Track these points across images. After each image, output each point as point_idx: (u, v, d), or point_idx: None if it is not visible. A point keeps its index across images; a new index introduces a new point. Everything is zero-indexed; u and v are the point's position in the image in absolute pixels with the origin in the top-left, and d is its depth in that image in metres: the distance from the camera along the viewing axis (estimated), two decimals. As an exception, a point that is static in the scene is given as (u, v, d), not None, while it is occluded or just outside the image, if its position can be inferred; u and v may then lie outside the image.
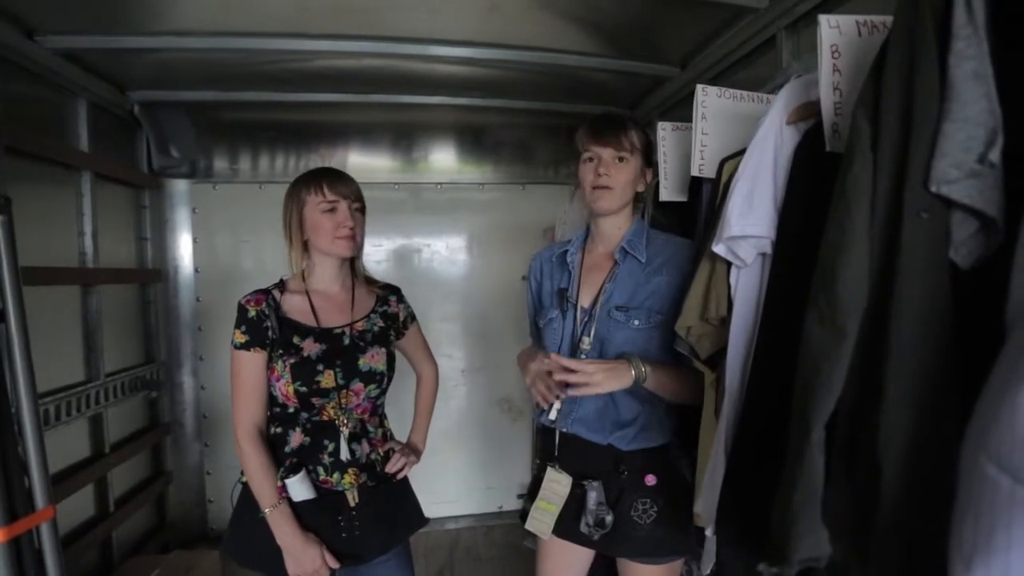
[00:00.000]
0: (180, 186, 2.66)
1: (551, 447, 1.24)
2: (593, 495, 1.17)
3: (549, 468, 1.23)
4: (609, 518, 1.16)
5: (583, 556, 1.31)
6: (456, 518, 2.92)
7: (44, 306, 1.84)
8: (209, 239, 2.71)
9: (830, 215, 0.62)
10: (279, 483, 1.17)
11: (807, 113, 0.84)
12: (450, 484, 2.90)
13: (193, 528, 2.70)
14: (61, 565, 1.31)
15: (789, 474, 0.59)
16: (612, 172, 1.17)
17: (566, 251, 1.30)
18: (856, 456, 0.57)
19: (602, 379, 1.07)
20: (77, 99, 2.05)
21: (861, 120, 0.60)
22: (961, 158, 0.51)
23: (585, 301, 1.24)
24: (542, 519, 1.21)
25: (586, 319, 1.21)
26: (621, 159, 1.17)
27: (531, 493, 1.30)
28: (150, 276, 2.55)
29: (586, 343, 1.20)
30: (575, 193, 1.30)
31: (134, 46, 1.87)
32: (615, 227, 1.24)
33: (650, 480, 1.19)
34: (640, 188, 1.24)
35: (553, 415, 1.22)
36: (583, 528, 1.17)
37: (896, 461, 0.53)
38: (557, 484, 1.21)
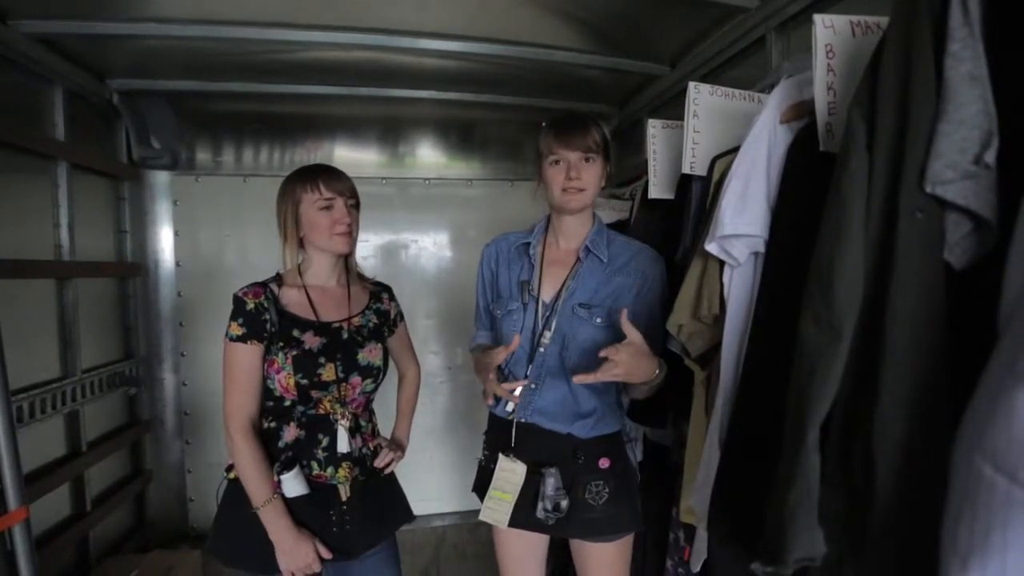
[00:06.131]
0: (161, 178, 2.60)
1: (506, 437, 1.25)
2: (551, 481, 1.18)
3: (502, 457, 1.24)
4: (565, 502, 1.18)
5: (542, 538, 1.35)
6: (442, 515, 2.91)
7: (18, 300, 1.79)
8: (191, 233, 2.65)
9: (825, 214, 0.62)
10: (275, 478, 1.16)
11: (800, 112, 0.85)
12: (436, 481, 2.88)
13: (174, 527, 2.65)
14: (35, 567, 1.28)
15: (784, 474, 0.59)
16: (582, 174, 1.18)
17: (527, 243, 1.31)
18: (851, 455, 0.57)
19: (627, 362, 1.04)
20: (53, 86, 1.99)
21: (857, 119, 0.60)
22: (956, 159, 0.51)
23: (546, 295, 1.25)
24: (498, 508, 1.23)
25: (547, 313, 1.23)
26: (588, 159, 1.19)
27: (479, 484, 1.32)
28: (129, 270, 2.49)
29: (547, 337, 1.21)
30: (536, 191, 1.30)
31: (113, 32, 1.82)
32: (580, 225, 1.27)
33: (603, 463, 1.22)
34: (603, 184, 1.25)
35: (510, 407, 1.25)
36: (539, 514, 1.19)
37: (890, 460, 0.53)
38: (511, 473, 1.22)
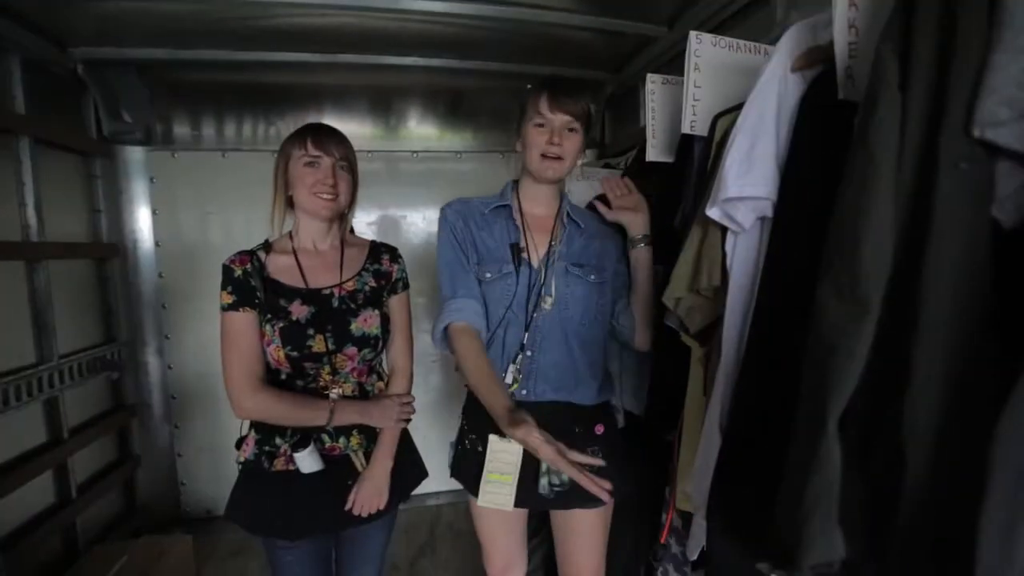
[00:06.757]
0: (135, 154, 2.47)
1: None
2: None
3: (495, 438, 1.17)
4: (563, 476, 1.15)
5: (521, 511, 1.32)
6: (437, 494, 2.88)
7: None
8: (170, 211, 2.55)
9: (847, 169, 0.54)
10: (288, 454, 1.15)
11: (815, 59, 0.75)
12: (430, 461, 2.82)
13: (166, 512, 2.61)
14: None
15: (799, 468, 0.52)
16: (564, 142, 1.16)
17: (503, 206, 1.27)
18: (874, 444, 0.50)
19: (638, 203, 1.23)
20: (9, 55, 1.86)
21: (887, 56, 0.51)
22: (1014, 94, 0.42)
23: (534, 259, 1.22)
24: (499, 491, 1.17)
25: (539, 278, 1.20)
26: (572, 129, 1.17)
27: (462, 469, 1.26)
28: (106, 251, 2.39)
29: (548, 302, 1.19)
30: (511, 160, 1.27)
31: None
32: (554, 195, 1.27)
33: (599, 429, 1.23)
34: (581, 160, 1.26)
35: (509, 379, 1.19)
36: (542, 490, 1.16)
37: (924, 450, 0.46)
38: (507, 453, 1.17)
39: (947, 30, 0.46)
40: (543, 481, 1.16)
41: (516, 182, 1.30)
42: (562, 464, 0.95)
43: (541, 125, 1.16)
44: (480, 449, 1.20)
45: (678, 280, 1.01)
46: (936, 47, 0.47)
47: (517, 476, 1.16)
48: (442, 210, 1.29)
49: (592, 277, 1.22)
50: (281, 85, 2.61)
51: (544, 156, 1.16)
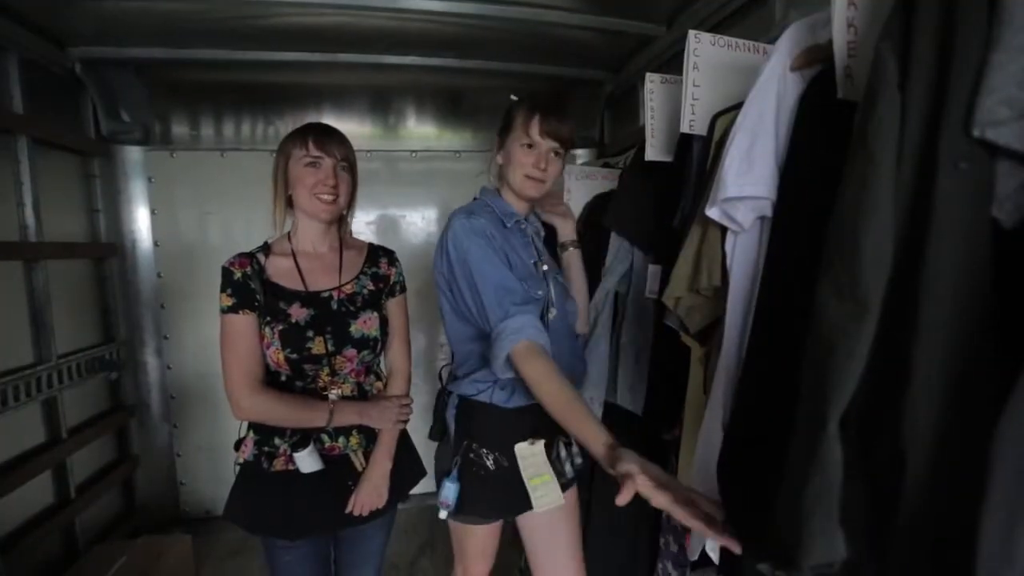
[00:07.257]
0: (134, 153, 2.47)
1: (518, 426, 1.19)
2: (566, 446, 1.24)
3: (521, 447, 1.19)
4: (579, 458, 1.27)
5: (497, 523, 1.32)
6: (437, 494, 2.88)
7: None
8: (169, 211, 2.55)
9: (847, 169, 0.54)
10: (288, 454, 1.16)
11: (814, 57, 0.75)
12: (430, 461, 2.84)
13: (165, 512, 2.62)
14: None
15: (799, 467, 0.52)
16: (549, 167, 1.18)
17: (518, 220, 1.25)
18: (874, 446, 0.50)
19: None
20: (7, 55, 1.86)
21: (887, 55, 0.51)
22: (1014, 94, 0.42)
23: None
24: (546, 493, 1.18)
25: (548, 290, 1.25)
26: (557, 153, 1.19)
27: (480, 495, 1.21)
28: (104, 251, 2.39)
29: (553, 313, 1.22)
30: (490, 166, 1.27)
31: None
32: (529, 207, 1.31)
33: None
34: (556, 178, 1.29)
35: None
36: (568, 475, 1.24)
37: (924, 450, 0.46)
38: (535, 456, 1.19)
39: (947, 29, 0.46)
40: (567, 468, 1.21)
41: (497, 191, 1.29)
42: (671, 505, 0.73)
43: (529, 146, 1.17)
44: (507, 464, 1.18)
45: (678, 280, 1.01)
46: (936, 46, 0.47)
47: (552, 471, 1.20)
48: (467, 220, 1.15)
49: (563, 281, 1.32)
50: (280, 84, 2.61)
51: (528, 177, 1.18)
